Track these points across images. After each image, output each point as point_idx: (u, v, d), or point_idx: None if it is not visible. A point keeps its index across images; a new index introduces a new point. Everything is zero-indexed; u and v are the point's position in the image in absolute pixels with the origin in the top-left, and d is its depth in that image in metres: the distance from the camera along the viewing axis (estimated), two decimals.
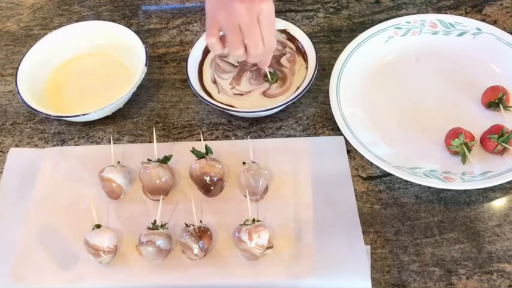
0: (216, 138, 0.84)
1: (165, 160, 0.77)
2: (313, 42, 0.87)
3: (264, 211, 0.74)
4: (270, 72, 0.85)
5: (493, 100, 0.80)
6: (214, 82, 0.87)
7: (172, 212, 0.76)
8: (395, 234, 0.72)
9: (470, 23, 0.89)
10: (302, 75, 0.86)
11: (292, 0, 1.01)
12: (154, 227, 0.71)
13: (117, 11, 1.04)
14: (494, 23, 0.93)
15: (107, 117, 0.87)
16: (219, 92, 0.86)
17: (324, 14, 0.99)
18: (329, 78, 0.85)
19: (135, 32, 0.91)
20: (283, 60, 0.88)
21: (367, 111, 0.83)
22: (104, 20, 0.97)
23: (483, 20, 0.91)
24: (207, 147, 0.78)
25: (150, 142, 0.82)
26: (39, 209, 0.77)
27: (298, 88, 0.84)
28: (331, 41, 0.94)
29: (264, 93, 0.85)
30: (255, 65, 0.87)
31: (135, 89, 0.86)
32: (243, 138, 0.83)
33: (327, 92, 0.83)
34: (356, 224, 0.72)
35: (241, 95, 0.85)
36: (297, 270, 0.69)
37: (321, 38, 0.95)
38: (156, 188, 0.76)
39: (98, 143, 0.85)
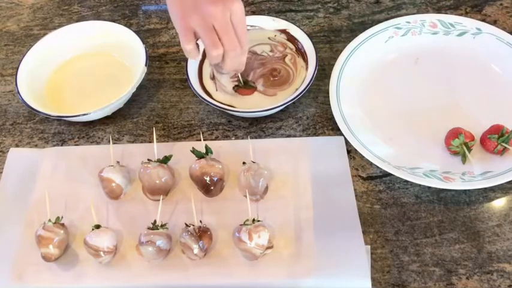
0: (216, 138, 0.84)
1: (165, 160, 0.77)
2: (313, 42, 0.87)
3: (264, 211, 0.74)
4: (245, 81, 0.85)
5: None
6: (213, 78, 0.87)
7: (172, 212, 0.76)
8: (395, 234, 0.72)
9: (470, 23, 0.89)
10: (302, 76, 0.86)
11: (292, 0, 1.01)
12: (154, 227, 0.71)
13: (117, 11, 1.04)
14: (494, 23, 0.93)
15: (107, 117, 0.87)
16: (216, 90, 0.86)
17: (324, 14, 0.99)
18: (329, 78, 0.85)
19: (135, 32, 0.91)
20: (287, 60, 0.88)
21: (367, 111, 0.83)
22: (104, 20, 0.97)
23: (483, 20, 0.91)
24: (207, 147, 0.78)
25: (150, 142, 0.82)
26: (39, 209, 0.76)
27: (298, 88, 0.84)
28: (331, 41, 0.94)
29: (263, 92, 0.85)
30: (262, 65, 0.87)
31: (135, 89, 0.86)
32: (243, 138, 0.83)
33: (327, 92, 0.83)
34: (356, 224, 0.72)
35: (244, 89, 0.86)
36: (297, 270, 0.69)
37: (321, 38, 0.95)
38: (156, 188, 0.76)
39: (98, 143, 0.85)
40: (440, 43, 0.89)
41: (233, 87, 0.86)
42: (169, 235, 0.72)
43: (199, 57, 0.77)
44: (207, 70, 0.89)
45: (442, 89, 0.85)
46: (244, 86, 0.85)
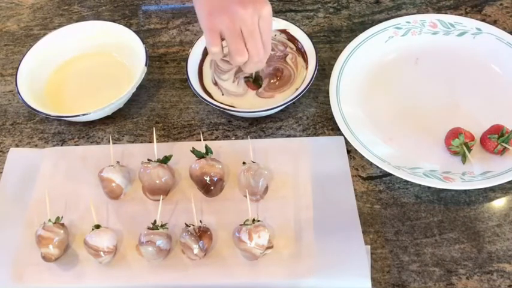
0: (216, 138, 0.84)
1: (165, 160, 0.77)
2: (313, 42, 0.87)
3: (264, 211, 0.74)
4: (256, 76, 0.86)
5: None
6: (216, 84, 0.87)
7: (172, 212, 0.76)
8: (395, 234, 0.72)
9: (470, 23, 0.89)
10: (302, 75, 0.86)
11: (292, 0, 1.01)
12: (154, 227, 0.71)
13: (117, 11, 1.04)
14: (494, 23, 0.93)
15: (107, 117, 0.87)
16: (222, 94, 0.86)
17: (324, 14, 0.99)
18: (329, 78, 0.85)
19: (135, 32, 0.91)
20: (288, 60, 0.88)
21: (367, 111, 0.83)
22: (104, 20, 0.97)
23: (483, 20, 0.91)
24: (207, 147, 0.78)
25: (150, 142, 0.82)
26: (39, 209, 0.76)
27: (298, 88, 0.84)
28: (331, 41, 0.94)
29: (259, 94, 0.85)
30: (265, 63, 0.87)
31: (135, 89, 0.86)
32: (243, 138, 0.83)
33: (327, 92, 0.83)
34: (356, 224, 0.72)
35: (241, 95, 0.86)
36: (297, 270, 0.69)
37: (321, 38, 0.95)
38: (156, 188, 0.76)
39: (98, 143, 0.85)
40: (440, 43, 0.89)
41: (244, 77, 0.86)
42: (169, 235, 0.72)
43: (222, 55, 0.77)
44: (207, 70, 0.89)
45: (442, 89, 0.85)
46: (253, 81, 0.86)
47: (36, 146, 0.86)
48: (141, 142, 0.85)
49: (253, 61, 0.73)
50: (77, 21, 0.99)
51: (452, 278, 0.68)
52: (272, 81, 0.86)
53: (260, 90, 0.86)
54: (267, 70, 0.87)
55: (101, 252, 0.70)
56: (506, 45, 0.86)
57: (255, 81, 0.86)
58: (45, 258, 0.71)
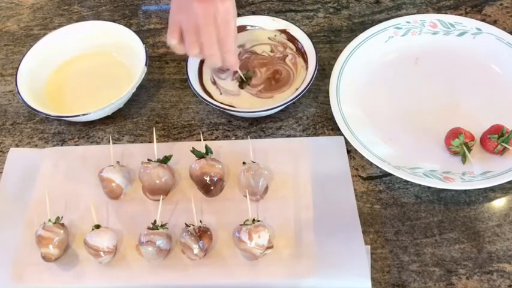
0: (216, 138, 0.84)
1: (165, 160, 0.77)
2: (313, 42, 0.87)
3: (264, 211, 0.74)
4: (243, 74, 0.86)
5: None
6: (214, 83, 0.87)
7: (172, 212, 0.76)
8: (395, 234, 0.72)
9: (470, 23, 0.89)
10: (302, 76, 0.86)
11: (292, 0, 1.01)
12: (154, 227, 0.71)
13: (117, 11, 1.04)
14: (494, 23, 0.93)
15: (107, 117, 0.87)
16: (221, 94, 0.86)
17: (324, 14, 0.99)
18: (329, 78, 0.85)
19: (135, 32, 0.91)
20: (287, 61, 0.88)
21: (367, 111, 0.83)
22: (104, 20, 0.97)
23: (483, 20, 0.91)
24: (207, 147, 0.78)
25: (150, 142, 0.82)
26: (39, 209, 0.76)
27: (298, 88, 0.84)
28: (331, 41, 0.94)
29: (258, 94, 0.85)
30: (264, 65, 0.87)
31: (135, 89, 0.86)
32: (243, 138, 0.83)
33: (327, 92, 0.83)
34: (356, 224, 0.72)
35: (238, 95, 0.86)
36: (297, 270, 0.69)
37: (321, 38, 0.95)
38: (156, 188, 0.76)
39: (98, 143, 0.85)
40: (440, 43, 0.89)
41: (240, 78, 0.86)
42: (169, 235, 0.72)
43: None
44: (207, 70, 0.89)
45: (442, 89, 0.85)
46: (242, 81, 0.86)
47: (36, 146, 0.86)
48: (141, 142, 0.85)
49: (205, 55, 0.75)
50: (77, 21, 0.99)
51: (452, 278, 0.68)
52: (271, 82, 0.86)
53: (255, 91, 0.85)
54: (265, 73, 0.87)
55: (101, 252, 0.70)
56: (506, 45, 0.86)
57: (244, 83, 0.86)
58: (45, 258, 0.71)
